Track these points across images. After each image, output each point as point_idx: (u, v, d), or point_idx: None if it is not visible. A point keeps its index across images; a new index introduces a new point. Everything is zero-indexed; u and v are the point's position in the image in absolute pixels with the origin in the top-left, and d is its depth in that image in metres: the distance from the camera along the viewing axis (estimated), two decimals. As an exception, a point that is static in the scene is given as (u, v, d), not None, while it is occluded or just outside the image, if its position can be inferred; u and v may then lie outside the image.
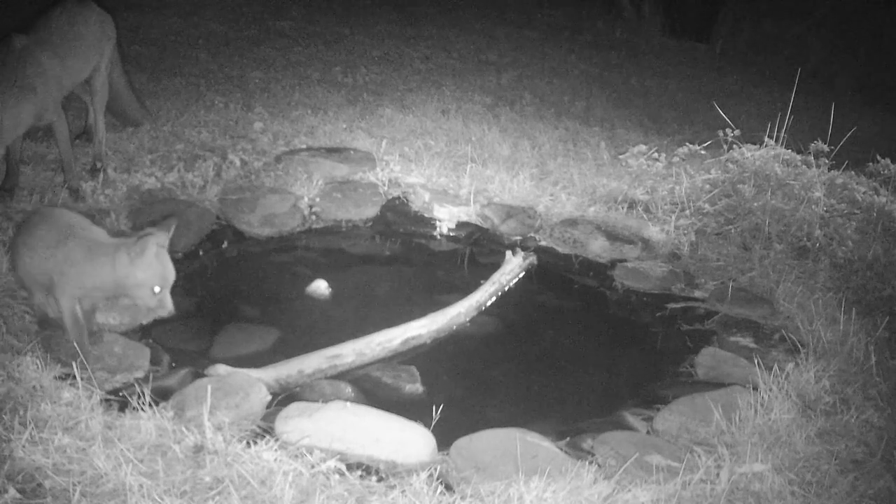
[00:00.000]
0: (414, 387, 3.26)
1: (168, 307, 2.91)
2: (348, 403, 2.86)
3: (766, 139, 4.57)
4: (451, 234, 4.61)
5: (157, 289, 2.87)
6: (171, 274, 2.90)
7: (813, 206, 4.31)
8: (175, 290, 3.76)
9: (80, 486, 2.37)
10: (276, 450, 2.58)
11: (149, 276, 2.84)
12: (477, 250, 4.54)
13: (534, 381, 3.46)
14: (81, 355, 2.89)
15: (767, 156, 4.48)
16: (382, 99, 6.31)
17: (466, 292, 3.85)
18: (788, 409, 3.05)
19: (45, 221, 3.04)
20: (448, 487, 2.56)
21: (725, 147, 4.67)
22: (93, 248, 2.92)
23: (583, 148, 5.68)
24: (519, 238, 4.51)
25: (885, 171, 4.53)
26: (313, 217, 4.47)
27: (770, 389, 3.13)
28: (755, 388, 3.16)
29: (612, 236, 4.44)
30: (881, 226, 4.37)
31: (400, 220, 4.60)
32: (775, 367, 3.26)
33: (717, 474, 2.70)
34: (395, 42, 8.08)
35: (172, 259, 3.83)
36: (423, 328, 3.55)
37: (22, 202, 3.96)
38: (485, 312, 3.86)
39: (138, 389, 2.77)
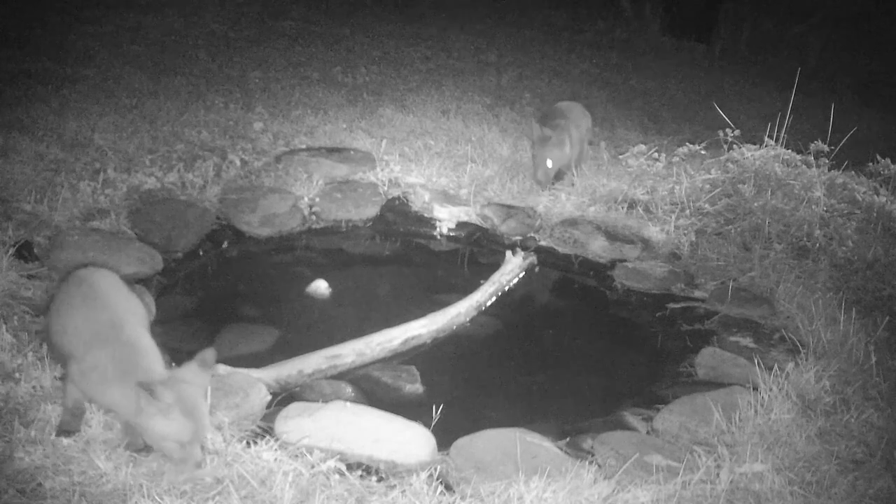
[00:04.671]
0: (414, 387, 3.26)
1: (196, 460, 2.39)
2: (348, 403, 2.86)
3: (766, 139, 4.57)
4: (451, 234, 4.61)
5: (180, 442, 2.37)
6: (203, 424, 2.38)
7: (813, 206, 4.31)
8: (175, 290, 3.81)
9: (80, 486, 2.37)
10: (276, 450, 2.58)
11: (168, 429, 2.33)
12: (477, 250, 4.54)
13: (534, 381, 3.46)
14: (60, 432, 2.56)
15: (767, 156, 4.48)
16: (382, 99, 6.31)
17: (466, 292, 3.85)
18: (788, 409, 3.05)
19: (90, 303, 2.56)
20: (448, 487, 2.56)
21: (725, 147, 4.67)
22: (128, 371, 2.39)
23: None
24: (519, 238, 4.51)
25: (885, 171, 4.52)
26: (313, 217, 4.47)
27: (770, 389, 3.13)
28: (755, 388, 3.16)
29: (612, 236, 4.44)
30: (881, 226, 4.37)
31: (400, 220, 4.60)
32: (775, 367, 3.26)
33: (717, 474, 2.70)
34: (395, 42, 8.08)
35: (172, 259, 3.91)
36: (423, 328, 3.55)
37: (22, 202, 3.96)
38: (485, 312, 3.86)
39: (138, 389, 2.76)
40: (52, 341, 2.65)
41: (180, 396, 2.33)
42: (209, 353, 2.46)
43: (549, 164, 4.69)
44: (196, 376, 2.41)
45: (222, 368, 3.01)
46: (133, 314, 2.61)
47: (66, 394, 2.56)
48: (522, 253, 4.24)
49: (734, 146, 4.61)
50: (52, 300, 2.70)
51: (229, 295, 3.91)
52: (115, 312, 2.56)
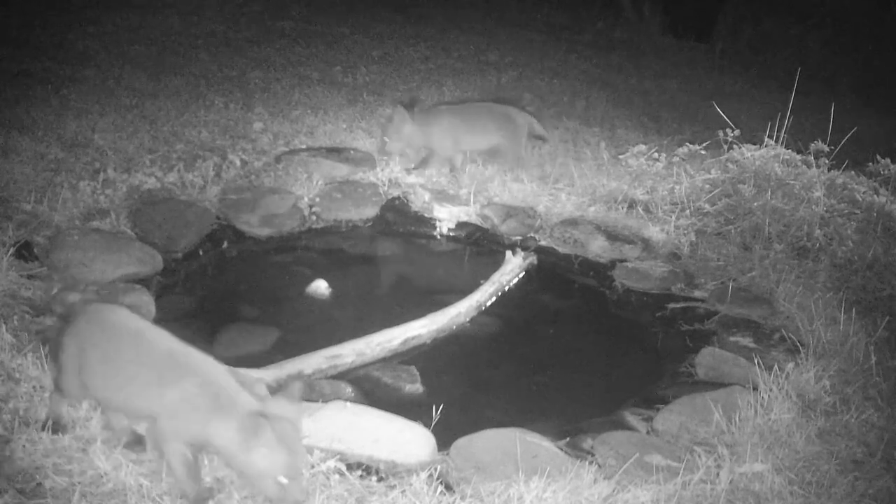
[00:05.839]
0: (414, 387, 3.26)
1: (297, 498, 2.22)
2: (348, 403, 2.86)
3: (766, 139, 4.57)
4: (451, 234, 4.61)
5: (282, 479, 2.19)
6: (302, 459, 2.25)
7: (813, 206, 4.31)
8: (175, 290, 3.81)
9: (80, 486, 2.38)
10: (276, 450, 2.58)
11: (269, 464, 2.18)
12: (477, 250, 4.54)
13: (534, 381, 3.46)
14: None
15: (767, 156, 4.48)
16: (382, 99, 6.30)
17: (466, 292, 3.85)
18: (788, 409, 3.05)
19: (130, 341, 2.39)
20: (448, 487, 2.56)
21: (725, 147, 4.67)
22: (220, 401, 2.27)
23: (583, 148, 5.67)
24: (519, 238, 4.51)
25: (885, 171, 4.51)
26: (313, 217, 4.47)
27: (770, 389, 3.13)
28: (755, 388, 3.16)
29: (612, 236, 4.44)
30: (881, 226, 4.37)
31: (400, 220, 4.60)
32: (775, 367, 3.26)
33: (717, 474, 2.70)
34: (395, 42, 8.07)
35: (172, 259, 3.91)
36: (423, 328, 3.55)
37: (22, 202, 3.96)
38: (485, 312, 3.86)
39: (138, 389, 2.76)
40: (92, 397, 2.46)
41: (281, 431, 2.19)
42: (296, 386, 2.35)
43: (386, 140, 4.86)
44: (288, 410, 2.27)
45: (222, 368, 3.01)
46: (173, 340, 2.45)
47: (173, 455, 2.32)
48: (522, 253, 4.24)
49: (734, 146, 4.61)
50: (64, 350, 2.45)
51: (229, 295, 3.91)
52: (165, 342, 2.41)
